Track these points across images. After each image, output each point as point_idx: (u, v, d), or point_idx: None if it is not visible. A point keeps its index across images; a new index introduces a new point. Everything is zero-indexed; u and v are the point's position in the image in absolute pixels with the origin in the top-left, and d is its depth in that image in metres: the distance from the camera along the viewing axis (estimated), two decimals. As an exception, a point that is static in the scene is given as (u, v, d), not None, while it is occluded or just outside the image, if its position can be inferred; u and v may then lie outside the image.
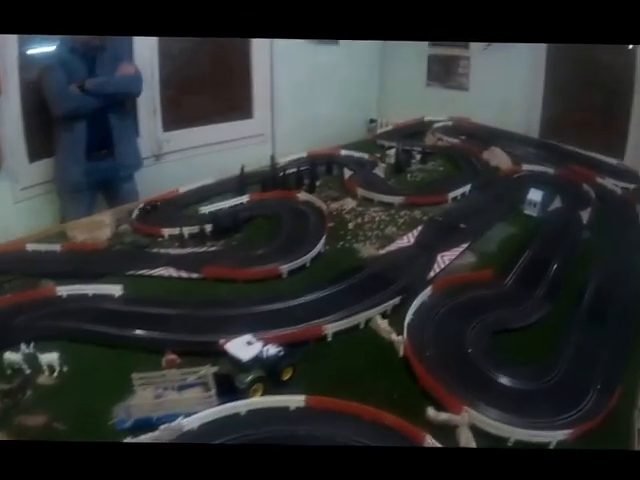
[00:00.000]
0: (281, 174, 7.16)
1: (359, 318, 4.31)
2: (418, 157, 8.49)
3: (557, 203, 6.94)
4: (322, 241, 5.51)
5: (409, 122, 10.49)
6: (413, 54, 11.48)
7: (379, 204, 6.59)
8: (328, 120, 10.87)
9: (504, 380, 3.81)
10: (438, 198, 6.79)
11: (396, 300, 4.54)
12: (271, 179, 7.05)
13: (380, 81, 12.25)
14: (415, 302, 4.48)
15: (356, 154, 8.46)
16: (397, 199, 6.63)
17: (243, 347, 3.50)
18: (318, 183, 7.25)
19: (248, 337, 3.57)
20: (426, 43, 11.32)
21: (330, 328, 4.11)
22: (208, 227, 5.55)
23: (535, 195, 6.57)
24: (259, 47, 9.72)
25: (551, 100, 10.32)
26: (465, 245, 5.68)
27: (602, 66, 9.39)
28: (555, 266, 5.41)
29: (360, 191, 6.83)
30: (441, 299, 4.67)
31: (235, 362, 3.42)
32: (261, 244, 5.56)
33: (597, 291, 4.99)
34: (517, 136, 10.06)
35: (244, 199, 6.67)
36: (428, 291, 4.63)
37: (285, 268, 5.06)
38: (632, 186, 7.93)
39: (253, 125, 10.36)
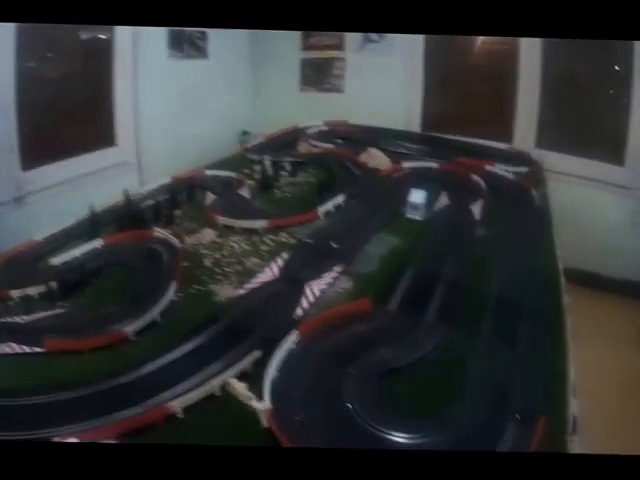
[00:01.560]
0: (137, 208, 6.55)
1: (211, 387, 3.64)
2: (289, 169, 8.01)
3: (444, 200, 6.55)
4: (172, 288, 4.81)
5: (282, 131, 10.17)
6: (286, 60, 11.45)
7: (242, 231, 5.92)
8: (200, 139, 10.30)
9: (396, 437, 3.15)
10: (307, 216, 6.13)
11: (255, 355, 3.86)
12: (127, 216, 6.28)
13: (254, 92, 12.03)
14: (278, 354, 3.81)
15: (223, 173, 7.84)
16: (259, 223, 5.93)
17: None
18: (179, 213, 6.53)
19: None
20: (298, 46, 11.39)
21: (178, 405, 3.46)
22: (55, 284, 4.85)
23: (417, 197, 6.09)
24: (121, 68, 9.09)
25: (431, 92, 10.32)
26: (339, 269, 5.05)
27: (483, 53, 9.61)
28: (447, 277, 4.86)
29: (220, 219, 6.07)
30: (311, 344, 4.00)
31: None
32: (109, 300, 4.89)
33: (500, 298, 4.51)
34: (397, 132, 9.99)
35: (97, 244, 5.77)
36: (294, 337, 3.98)
37: (130, 330, 4.30)
38: (524, 169, 7.98)
39: (117, 153, 9.48)
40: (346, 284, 4.96)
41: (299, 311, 4.49)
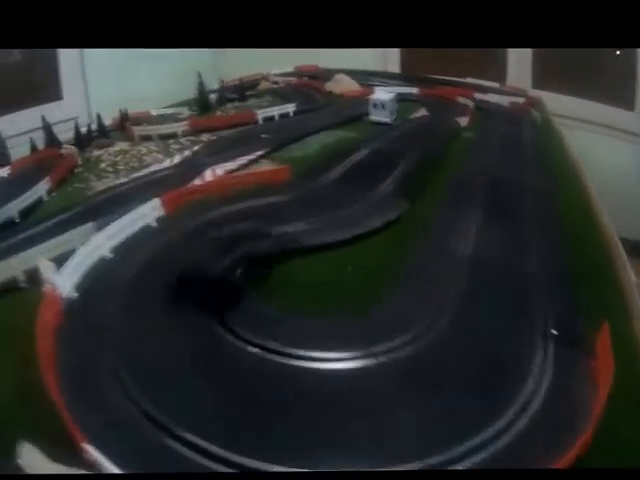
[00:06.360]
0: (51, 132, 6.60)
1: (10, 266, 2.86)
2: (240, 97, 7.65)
3: (422, 112, 6.18)
4: (38, 191, 4.46)
5: (243, 78, 8.75)
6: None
7: (159, 139, 5.62)
8: (160, 88, 8.73)
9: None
10: (240, 116, 5.78)
11: (80, 230, 2.99)
12: (49, 142, 6.44)
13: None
14: (119, 226, 2.90)
15: (169, 111, 7.38)
16: (178, 126, 5.70)
17: None
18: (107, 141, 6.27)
19: None
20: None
21: None
22: None
23: (381, 95, 5.49)
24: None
25: None
26: (260, 152, 4.67)
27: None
28: (412, 158, 4.42)
29: (136, 131, 5.93)
30: (180, 220, 3.12)
31: None
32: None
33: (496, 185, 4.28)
34: (377, 72, 8.25)
35: (5, 172, 5.84)
36: (153, 211, 3.09)
37: None
38: (522, 100, 7.09)
39: (64, 107, 8.16)
40: (267, 166, 4.41)
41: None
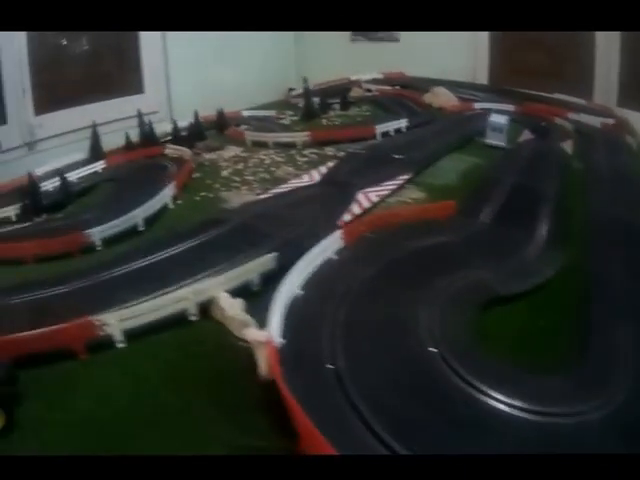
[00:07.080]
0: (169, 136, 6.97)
1: (182, 297, 2.68)
2: (339, 107, 7.49)
3: (527, 135, 5.85)
4: (163, 197, 4.76)
5: (331, 82, 9.14)
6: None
7: (275, 147, 5.59)
8: (239, 88, 8.93)
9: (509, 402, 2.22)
10: (361, 130, 5.43)
11: (268, 259, 2.83)
12: (145, 138, 6.86)
13: (298, 43, 10.54)
14: (306, 262, 2.68)
15: (260, 113, 7.55)
16: (299, 136, 5.41)
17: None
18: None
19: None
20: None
21: (112, 324, 2.62)
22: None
23: (498, 118, 5.25)
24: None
25: (501, 42, 8.56)
26: (405, 177, 4.22)
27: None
28: (551, 200, 4.15)
29: (248, 135, 5.92)
30: (363, 253, 2.87)
31: None
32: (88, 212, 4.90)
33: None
34: (464, 84, 8.35)
35: (99, 166, 6.12)
36: (334, 242, 2.87)
37: (95, 233, 4.15)
38: (611, 120, 7.09)
39: (145, 101, 8.47)
40: (415, 194, 4.10)
41: (347, 217, 3.61)
